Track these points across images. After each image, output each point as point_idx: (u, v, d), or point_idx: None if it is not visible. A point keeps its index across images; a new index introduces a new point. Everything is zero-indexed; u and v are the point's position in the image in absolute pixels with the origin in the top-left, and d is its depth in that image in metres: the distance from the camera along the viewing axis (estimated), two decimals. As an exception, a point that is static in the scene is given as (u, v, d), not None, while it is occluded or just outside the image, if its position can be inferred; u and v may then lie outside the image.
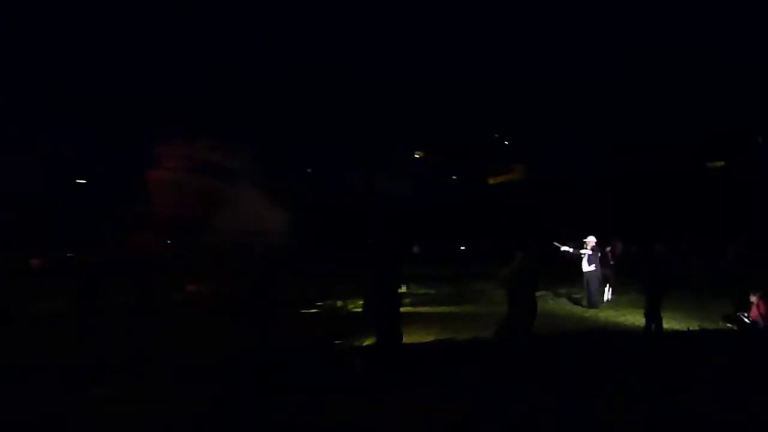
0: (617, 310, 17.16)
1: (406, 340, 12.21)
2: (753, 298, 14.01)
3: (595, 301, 17.64)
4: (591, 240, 17.93)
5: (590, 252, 17.77)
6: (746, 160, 44.18)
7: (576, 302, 18.65)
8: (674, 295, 16.81)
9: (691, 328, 13.44)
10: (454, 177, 55.13)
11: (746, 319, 13.91)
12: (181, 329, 14.10)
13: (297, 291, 19.70)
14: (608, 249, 20.67)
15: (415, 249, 34.30)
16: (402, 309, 17.72)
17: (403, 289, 22.52)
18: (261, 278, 15.52)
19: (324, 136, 49.01)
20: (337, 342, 12.47)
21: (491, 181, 56.29)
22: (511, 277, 10.57)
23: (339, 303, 19.20)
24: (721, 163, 47.99)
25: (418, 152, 55.23)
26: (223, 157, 28.89)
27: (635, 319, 15.24)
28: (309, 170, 48.51)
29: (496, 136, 59.15)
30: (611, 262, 20.30)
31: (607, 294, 19.02)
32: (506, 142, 59.41)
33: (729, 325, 14.17)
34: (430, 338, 12.40)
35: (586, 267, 17.81)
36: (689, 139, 47.90)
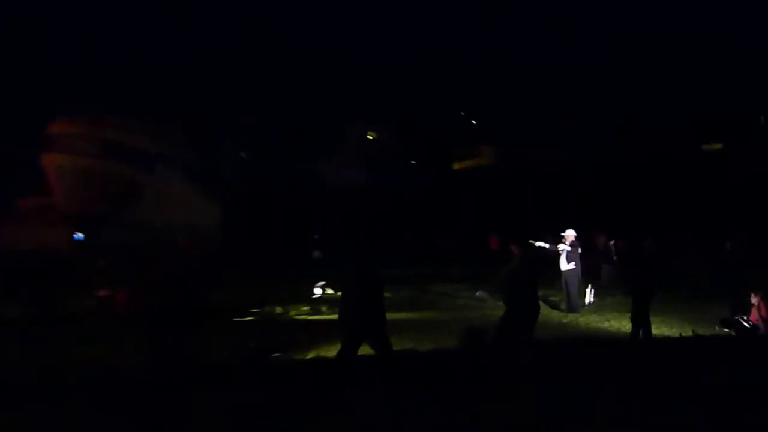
0: (601, 315, 17.40)
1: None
2: (753, 300, 14.27)
3: (575, 305, 17.84)
4: (570, 234, 18.12)
5: (569, 248, 17.94)
6: (745, 143, 45.00)
7: (553, 306, 18.83)
8: (665, 296, 17.14)
9: (683, 334, 13.67)
10: (412, 162, 55.10)
11: (745, 323, 14.16)
12: (88, 342, 13.86)
13: (229, 295, 19.54)
14: (612, 243, 20.93)
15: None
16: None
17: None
18: (186, 281, 15.32)
19: (259, 115, 48.59)
20: (275, 355, 12.37)
21: (456, 166, 56.41)
22: (509, 277, 10.63)
23: (278, 309, 19.09)
24: (718, 146, 48.82)
25: (371, 132, 55.09)
26: (140, 140, 28.41)
27: (621, 324, 15.48)
28: (242, 155, 47.99)
29: (462, 114, 59.34)
30: (614, 257, 20.60)
31: (589, 296, 19.26)
32: (473, 122, 59.63)
33: (726, 329, 14.41)
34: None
35: (565, 265, 17.97)
36: (684, 125, 48.71)
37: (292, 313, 18.69)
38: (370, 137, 55.19)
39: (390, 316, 17.18)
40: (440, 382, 9.11)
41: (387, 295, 21.40)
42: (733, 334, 14.10)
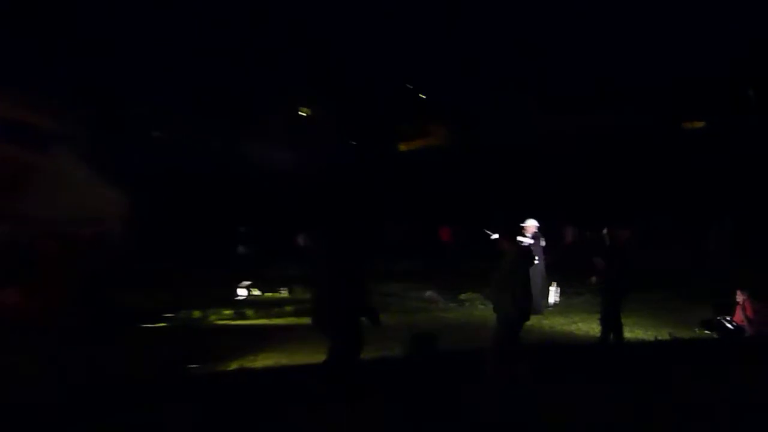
0: (567, 317, 17.62)
1: (285, 361, 12.24)
2: (739, 298, 14.55)
3: (538, 305, 17.94)
4: (531, 225, 18.20)
5: (531, 240, 18.03)
6: (732, 120, 45.43)
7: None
8: (640, 295, 17.41)
9: (659, 338, 13.92)
10: (353, 142, 54.96)
11: (729, 325, 14.45)
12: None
13: (139, 298, 19.33)
14: (605, 232, 21.06)
15: (301, 240, 34.26)
16: (282, 321, 17.81)
17: (285, 293, 22.53)
18: (87, 281, 15.14)
19: (175, 88, 48.08)
20: (192, 367, 12.29)
21: (402, 147, 56.45)
22: (504, 277, 10.63)
23: (197, 313, 18.93)
24: (700, 124, 49.40)
25: (304, 109, 54.92)
26: (32, 115, 27.91)
27: (590, 327, 15.68)
28: (155, 134, 47.49)
29: (410, 87, 59.41)
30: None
31: (554, 295, 19.45)
32: (422, 96, 59.76)
33: (708, 332, 14.69)
34: (319, 359, 12.30)
35: None
36: (660, 94, 48.92)
37: (212, 317, 18.55)
38: (304, 114, 55.02)
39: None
40: (385, 394, 9.16)
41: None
42: (715, 336, 14.40)
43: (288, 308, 19.09)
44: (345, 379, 9.26)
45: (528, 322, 16.61)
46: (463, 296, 20.66)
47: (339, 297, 9.43)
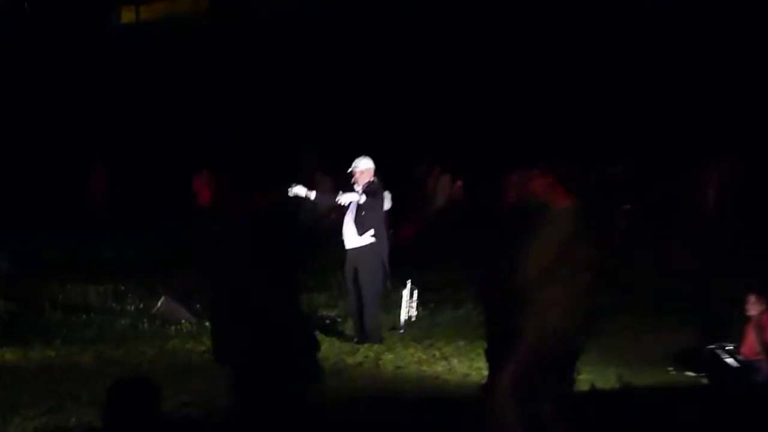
0: (429, 346, 17.57)
1: None
2: (752, 307, 14.54)
3: (373, 327, 17.78)
4: (364, 168, 17.78)
5: (363, 198, 17.64)
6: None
7: (329, 329, 18.92)
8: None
9: (601, 386, 13.97)
10: (26, 3, 54.59)
11: (729, 359, 14.51)
12: None
13: None
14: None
15: None
16: None
17: None
18: None
19: None
20: None
21: (126, 17, 56.07)
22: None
23: None
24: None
25: None
26: None
27: (470, 366, 15.65)
28: None
29: None
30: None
31: (409, 306, 19.28)
32: None
33: (691, 373, 14.82)
34: None
35: (354, 238, 17.77)
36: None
37: None
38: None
39: None
40: None
41: None
42: (705, 381, 14.49)
43: None
44: None
45: (352, 358, 16.82)
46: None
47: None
